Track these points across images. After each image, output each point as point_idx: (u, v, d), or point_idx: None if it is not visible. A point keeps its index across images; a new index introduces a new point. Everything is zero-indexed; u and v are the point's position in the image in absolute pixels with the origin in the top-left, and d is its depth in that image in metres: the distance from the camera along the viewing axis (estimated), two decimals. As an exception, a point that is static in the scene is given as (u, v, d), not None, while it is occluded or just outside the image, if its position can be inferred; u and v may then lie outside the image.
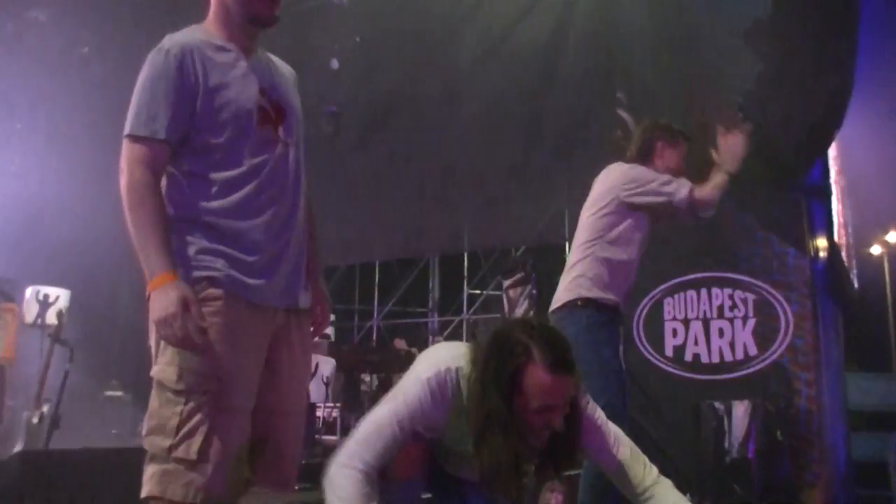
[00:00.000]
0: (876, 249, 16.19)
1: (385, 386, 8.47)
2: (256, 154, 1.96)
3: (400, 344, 9.43)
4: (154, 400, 1.87)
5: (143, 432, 1.88)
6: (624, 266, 3.31)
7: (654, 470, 2.11)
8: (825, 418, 4.98)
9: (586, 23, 6.36)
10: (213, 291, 1.88)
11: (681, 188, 3.28)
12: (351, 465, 1.93)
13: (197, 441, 1.80)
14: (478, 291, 13.36)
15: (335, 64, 6.99)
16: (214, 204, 1.92)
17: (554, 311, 3.30)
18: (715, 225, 5.40)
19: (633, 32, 5.57)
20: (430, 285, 13.67)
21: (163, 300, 1.78)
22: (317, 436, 5.71)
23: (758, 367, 5.06)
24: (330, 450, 5.74)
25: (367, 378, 7.58)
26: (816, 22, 4.81)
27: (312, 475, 4.83)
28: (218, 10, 2.04)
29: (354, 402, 7.02)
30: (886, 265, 16.38)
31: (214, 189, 1.93)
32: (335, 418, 7.03)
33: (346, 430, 7.26)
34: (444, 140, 7.82)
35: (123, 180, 1.87)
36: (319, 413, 6.50)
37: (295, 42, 6.33)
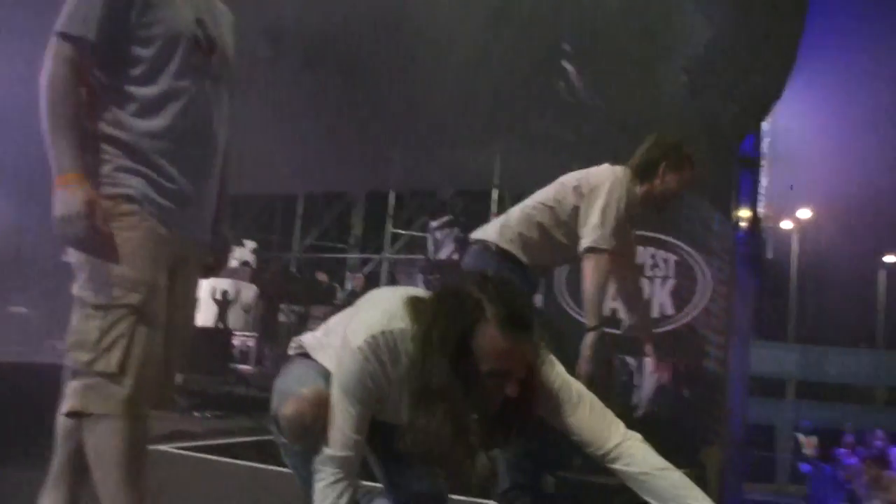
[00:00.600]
0: (786, 224, 16.87)
1: (303, 319, 8.42)
2: (180, 78, 1.96)
3: (322, 277, 9.33)
4: (75, 316, 1.89)
5: (66, 349, 1.89)
6: (557, 246, 3.20)
7: (621, 427, 1.92)
8: (730, 382, 5.14)
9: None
10: (128, 207, 1.88)
11: (586, 246, 3.06)
12: (322, 473, 1.84)
13: (116, 354, 1.83)
14: (401, 231, 13.33)
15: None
16: (134, 123, 1.92)
17: (473, 242, 3.26)
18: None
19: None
20: (353, 221, 13.55)
21: (68, 198, 1.78)
22: (231, 364, 5.61)
23: (672, 326, 5.16)
24: (243, 378, 5.73)
25: (285, 308, 7.47)
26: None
27: (226, 403, 4.80)
28: None
29: (271, 333, 6.93)
30: (795, 240, 17.09)
31: (135, 107, 1.92)
32: (249, 347, 6.95)
33: (259, 361, 7.19)
34: (380, 75, 7.66)
35: (46, 75, 1.85)
36: (235, 342, 6.40)
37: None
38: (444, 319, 1.71)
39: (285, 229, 13.67)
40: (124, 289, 1.84)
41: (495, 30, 6.84)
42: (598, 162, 5.44)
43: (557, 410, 1.90)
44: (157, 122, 1.92)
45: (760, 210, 6.48)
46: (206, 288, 5.19)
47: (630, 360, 4.82)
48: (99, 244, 1.81)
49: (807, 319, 16.20)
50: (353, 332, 1.84)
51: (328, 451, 1.84)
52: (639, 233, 5.46)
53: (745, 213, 5.77)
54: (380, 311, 1.86)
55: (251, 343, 6.89)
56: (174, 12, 1.96)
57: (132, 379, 1.83)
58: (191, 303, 2.16)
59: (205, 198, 2.06)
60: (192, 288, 2.14)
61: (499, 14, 6.75)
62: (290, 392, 1.91)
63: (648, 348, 3.42)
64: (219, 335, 5.14)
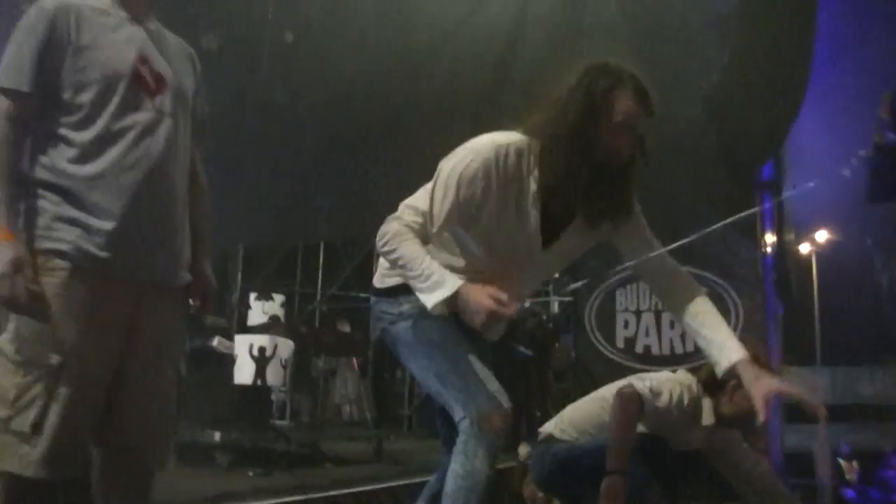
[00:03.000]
0: (805, 248, 16.76)
1: (332, 372, 8.35)
2: (121, 118, 1.91)
3: (343, 327, 9.29)
4: None
5: None
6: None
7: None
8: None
9: (548, 11, 6.29)
10: (59, 263, 1.83)
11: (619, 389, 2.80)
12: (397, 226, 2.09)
13: (32, 413, 1.78)
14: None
15: (290, 38, 6.77)
16: (73, 169, 1.86)
17: None
18: (671, 215, 5.44)
19: (597, 22, 5.53)
20: (375, 268, 13.53)
21: None
22: (270, 420, 5.56)
23: (706, 361, 5.09)
24: (282, 434, 5.66)
25: (318, 362, 7.43)
26: (779, 17, 4.88)
27: (265, 460, 4.74)
28: None
29: (303, 385, 6.86)
30: (815, 264, 16.95)
31: (75, 152, 1.87)
32: (284, 402, 6.88)
33: (294, 415, 7.12)
34: (396, 122, 7.69)
35: None
36: (273, 397, 6.36)
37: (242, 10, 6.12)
38: (593, 76, 1.98)
39: (307, 281, 13.63)
40: (47, 348, 1.79)
41: (506, 74, 6.87)
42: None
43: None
44: (97, 166, 1.87)
45: (787, 235, 6.45)
46: (244, 345, 5.16)
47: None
48: (27, 302, 1.77)
49: (833, 341, 15.99)
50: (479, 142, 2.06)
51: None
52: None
53: (770, 238, 5.74)
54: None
55: (284, 398, 6.83)
56: (111, 53, 1.92)
57: (48, 441, 1.78)
58: (162, 349, 2.02)
59: (167, 240, 1.98)
60: (163, 333, 2.01)
61: (512, 57, 6.77)
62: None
63: None
64: (258, 392, 5.08)
